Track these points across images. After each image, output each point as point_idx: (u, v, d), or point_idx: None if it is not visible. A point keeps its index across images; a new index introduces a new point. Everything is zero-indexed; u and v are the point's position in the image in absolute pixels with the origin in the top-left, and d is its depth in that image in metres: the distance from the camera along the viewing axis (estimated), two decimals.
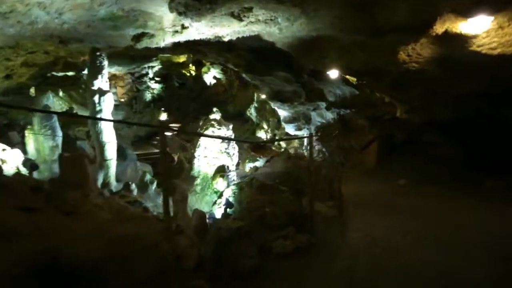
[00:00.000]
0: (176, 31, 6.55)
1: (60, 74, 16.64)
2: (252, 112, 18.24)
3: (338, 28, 6.92)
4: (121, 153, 10.67)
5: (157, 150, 16.91)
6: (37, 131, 6.94)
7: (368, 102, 11.67)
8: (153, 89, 19.84)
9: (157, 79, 19.86)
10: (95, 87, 8.15)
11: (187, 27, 6.40)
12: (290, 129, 15.41)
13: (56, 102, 16.97)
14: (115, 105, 19.15)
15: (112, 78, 19.23)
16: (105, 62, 8.27)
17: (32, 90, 16.38)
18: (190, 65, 20.75)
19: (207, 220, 4.98)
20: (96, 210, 3.65)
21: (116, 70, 18.25)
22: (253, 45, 9.50)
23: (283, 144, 16.65)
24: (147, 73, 19.86)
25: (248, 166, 12.84)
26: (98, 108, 8.27)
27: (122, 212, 3.82)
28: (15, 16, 4.76)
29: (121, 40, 6.74)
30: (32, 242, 2.87)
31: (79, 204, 3.59)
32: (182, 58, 20.49)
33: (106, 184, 8.14)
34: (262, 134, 17.79)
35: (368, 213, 7.02)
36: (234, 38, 7.27)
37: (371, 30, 6.54)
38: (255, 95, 18.14)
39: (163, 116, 19.13)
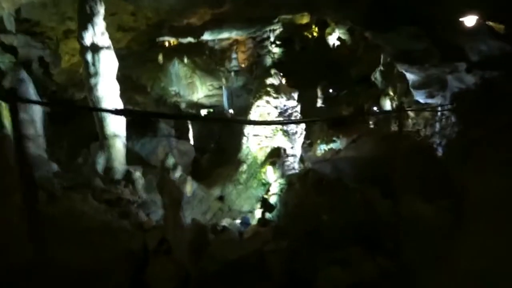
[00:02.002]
0: None
1: (185, 41, 17.31)
2: (377, 76, 15.97)
3: None
4: (151, 128, 8.79)
5: None
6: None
7: None
8: (274, 53, 19.21)
9: (278, 42, 19.11)
10: (86, 42, 5.98)
11: None
12: (420, 96, 12.92)
13: (181, 68, 17.82)
14: (235, 71, 19.29)
15: (234, 43, 19.21)
16: (99, 8, 5.89)
17: (160, 57, 17.51)
18: (313, 26, 19.29)
19: (241, 227, 3.80)
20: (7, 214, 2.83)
21: (236, 34, 18.07)
22: None
23: (411, 114, 14.23)
24: (268, 37, 19.27)
25: (321, 148, 10.39)
26: (92, 71, 6.09)
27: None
28: None
29: None
30: None
31: None
32: (305, 19, 19.18)
33: (108, 170, 6.45)
34: (387, 102, 15.47)
35: (505, 221, 4.83)
36: None
37: None
38: (382, 57, 15.77)
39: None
